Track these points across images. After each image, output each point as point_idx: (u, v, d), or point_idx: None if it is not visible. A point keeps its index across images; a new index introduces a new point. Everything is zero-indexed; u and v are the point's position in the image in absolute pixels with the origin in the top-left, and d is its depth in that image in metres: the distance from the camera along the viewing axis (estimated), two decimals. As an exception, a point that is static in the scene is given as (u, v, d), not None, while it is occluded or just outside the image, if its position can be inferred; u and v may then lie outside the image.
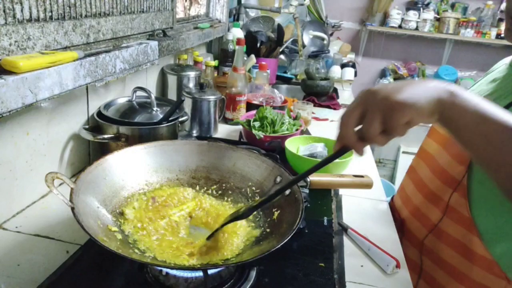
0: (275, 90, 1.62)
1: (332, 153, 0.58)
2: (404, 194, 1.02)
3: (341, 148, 0.56)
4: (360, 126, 0.53)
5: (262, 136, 1.19)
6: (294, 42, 2.41)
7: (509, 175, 0.51)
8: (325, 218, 0.89)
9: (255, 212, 0.74)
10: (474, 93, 0.89)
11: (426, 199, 0.91)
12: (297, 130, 1.25)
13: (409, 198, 0.98)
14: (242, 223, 0.72)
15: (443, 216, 0.85)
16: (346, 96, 2.16)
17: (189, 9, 1.83)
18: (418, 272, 0.91)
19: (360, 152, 0.54)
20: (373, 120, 0.51)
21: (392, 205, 1.07)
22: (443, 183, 0.86)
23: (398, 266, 0.73)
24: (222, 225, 0.66)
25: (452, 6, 3.35)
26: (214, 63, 1.60)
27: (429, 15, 3.24)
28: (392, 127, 0.51)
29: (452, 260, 0.83)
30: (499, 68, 0.90)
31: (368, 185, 0.97)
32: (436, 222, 0.87)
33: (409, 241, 0.94)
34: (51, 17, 0.77)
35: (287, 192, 0.71)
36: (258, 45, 2.05)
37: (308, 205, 0.91)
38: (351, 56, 2.94)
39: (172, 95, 1.42)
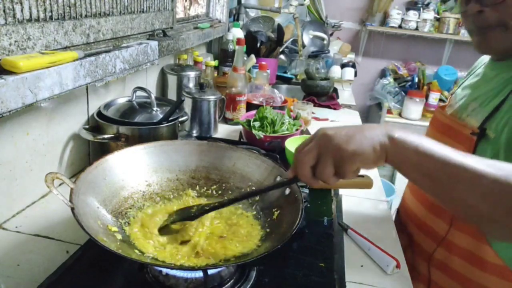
0: (275, 90, 1.62)
1: (288, 179, 0.61)
2: (406, 207, 1.01)
3: (294, 178, 0.60)
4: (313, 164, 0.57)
5: (262, 136, 1.19)
6: (294, 42, 2.41)
7: (461, 208, 0.53)
8: (325, 218, 0.89)
9: (255, 213, 0.75)
10: (460, 97, 0.89)
11: (429, 211, 0.91)
12: (297, 130, 1.25)
13: (412, 211, 0.97)
14: (242, 223, 0.72)
15: (449, 227, 0.85)
16: (346, 96, 2.16)
17: (189, 9, 1.83)
18: (427, 284, 0.90)
19: (314, 186, 0.59)
20: (327, 166, 0.55)
21: (398, 218, 1.06)
22: None
23: (398, 266, 0.73)
24: (172, 222, 0.67)
25: (451, 8, 3.34)
26: (214, 63, 1.60)
27: (429, 15, 3.24)
28: (344, 174, 0.55)
29: (463, 269, 0.83)
30: (477, 70, 0.91)
31: (368, 185, 0.97)
32: (444, 235, 0.86)
33: (418, 254, 0.93)
34: (51, 17, 0.77)
35: (287, 191, 0.71)
36: (258, 45, 2.05)
37: (308, 205, 0.91)
38: (351, 56, 2.94)
39: (172, 95, 1.42)
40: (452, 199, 0.53)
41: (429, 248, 0.90)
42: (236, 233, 0.69)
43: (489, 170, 0.49)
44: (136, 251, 0.62)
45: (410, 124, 3.10)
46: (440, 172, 0.51)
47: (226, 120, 1.46)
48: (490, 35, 0.76)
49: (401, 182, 1.09)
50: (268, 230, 0.69)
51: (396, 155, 0.54)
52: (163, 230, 0.68)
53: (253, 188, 0.78)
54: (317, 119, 1.65)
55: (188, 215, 0.67)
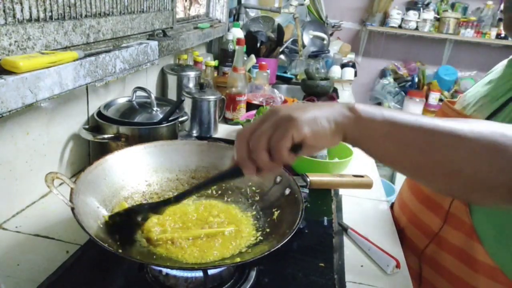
0: (275, 90, 1.62)
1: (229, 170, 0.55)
2: (402, 201, 1.00)
3: (234, 166, 0.53)
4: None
5: (262, 136, 1.18)
6: (294, 42, 2.41)
7: (436, 176, 0.49)
8: (325, 218, 0.89)
9: (254, 213, 0.75)
10: (470, 95, 0.89)
11: (423, 205, 0.90)
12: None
13: (407, 204, 0.96)
14: (242, 223, 0.72)
15: (443, 224, 0.84)
16: (346, 96, 2.16)
17: (189, 9, 1.83)
18: (419, 280, 0.90)
19: (247, 171, 0.51)
20: (263, 134, 0.48)
21: (392, 214, 1.05)
22: None
23: (398, 266, 0.73)
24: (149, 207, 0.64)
25: (452, 6, 3.35)
26: (214, 63, 1.60)
27: (429, 15, 3.24)
28: (279, 146, 0.47)
29: (455, 268, 0.82)
30: (496, 70, 0.90)
31: (368, 185, 0.97)
32: (436, 231, 0.85)
33: (409, 249, 0.92)
34: (51, 17, 0.77)
35: (287, 191, 0.71)
36: (258, 45, 2.05)
37: (308, 205, 0.91)
38: (351, 56, 2.94)
39: (172, 95, 1.42)
40: (431, 167, 0.48)
41: (420, 243, 0.89)
42: (236, 232, 0.69)
43: (468, 128, 0.46)
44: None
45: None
46: (418, 139, 0.47)
47: (226, 120, 1.46)
48: None
49: (401, 182, 1.09)
50: (268, 230, 0.69)
51: (360, 128, 0.49)
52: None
53: (253, 188, 0.78)
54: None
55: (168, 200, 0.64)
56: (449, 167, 0.47)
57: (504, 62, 0.88)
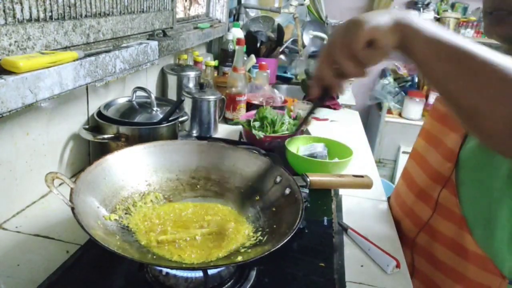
0: (275, 90, 1.62)
1: (313, 98, 0.61)
2: (398, 195, 1.02)
3: (322, 91, 0.59)
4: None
5: (262, 136, 1.19)
6: (294, 42, 2.41)
7: (474, 103, 0.50)
8: (325, 218, 0.89)
9: (254, 213, 0.75)
10: None
11: (417, 197, 0.91)
12: (297, 130, 1.25)
13: (402, 199, 0.98)
14: (242, 223, 0.72)
15: (433, 213, 0.85)
16: (346, 96, 2.16)
17: (189, 9, 1.83)
18: (411, 271, 0.91)
19: (340, 90, 0.57)
20: (341, 54, 0.53)
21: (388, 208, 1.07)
22: (432, 180, 0.86)
23: (398, 266, 0.73)
24: None
25: (452, 6, 3.35)
26: (214, 63, 1.60)
27: (429, 15, 3.24)
28: (356, 52, 0.53)
29: (446, 258, 0.83)
30: None
31: (368, 185, 0.97)
32: (426, 220, 0.87)
33: (401, 240, 0.94)
34: (51, 17, 0.77)
35: (287, 191, 0.71)
36: (258, 45, 2.05)
37: (308, 205, 0.91)
38: (351, 56, 2.93)
39: (172, 95, 1.42)
40: (470, 90, 0.50)
41: (412, 233, 0.91)
42: (236, 232, 0.69)
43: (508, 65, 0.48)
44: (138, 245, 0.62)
45: (410, 124, 3.10)
46: (463, 59, 0.50)
47: (226, 120, 1.46)
48: (501, 18, 0.74)
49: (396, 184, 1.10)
50: (268, 230, 0.69)
51: (410, 34, 0.53)
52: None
53: (253, 188, 0.78)
54: (317, 119, 1.65)
55: None
56: (486, 95, 0.49)
57: None
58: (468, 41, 0.51)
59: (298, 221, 0.61)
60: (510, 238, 0.75)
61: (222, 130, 1.39)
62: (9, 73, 0.62)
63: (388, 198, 1.09)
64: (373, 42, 0.54)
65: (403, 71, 3.46)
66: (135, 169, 0.76)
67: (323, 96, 0.59)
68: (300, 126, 0.81)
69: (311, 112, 0.67)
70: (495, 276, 0.77)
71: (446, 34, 0.52)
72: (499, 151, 0.53)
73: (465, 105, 0.52)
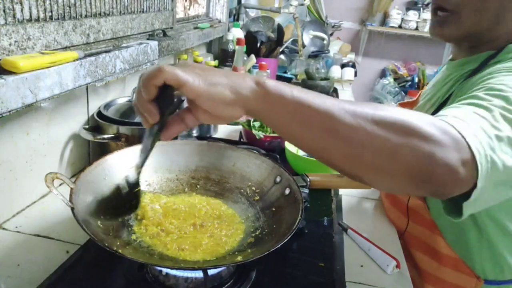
0: (275, 90, 1.62)
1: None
2: (381, 204, 1.02)
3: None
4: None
5: (262, 136, 1.19)
6: (294, 42, 2.41)
7: (334, 157, 0.48)
8: (325, 218, 0.89)
9: (254, 212, 0.75)
10: (422, 97, 0.90)
11: (391, 205, 0.92)
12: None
13: (384, 207, 0.98)
14: (242, 222, 0.72)
15: (408, 220, 0.86)
16: (346, 96, 2.16)
17: (189, 9, 1.83)
18: None
19: (145, 124, 0.51)
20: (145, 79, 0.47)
21: None
22: None
23: (398, 266, 0.73)
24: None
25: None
26: (214, 63, 1.60)
27: (429, 15, 3.24)
28: (146, 82, 0.46)
29: (423, 263, 0.84)
30: (440, 71, 0.92)
31: (368, 185, 0.97)
32: (404, 227, 0.87)
33: None
34: (51, 17, 0.77)
35: (287, 191, 0.71)
36: (258, 45, 2.04)
37: (308, 205, 0.91)
38: (351, 56, 2.94)
39: (172, 95, 1.41)
40: (329, 148, 0.47)
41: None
42: (236, 232, 0.69)
43: (371, 114, 0.45)
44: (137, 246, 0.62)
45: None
46: (320, 119, 0.46)
47: (226, 120, 1.46)
48: (445, 19, 0.76)
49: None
50: (268, 230, 0.69)
51: (267, 104, 0.47)
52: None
53: (253, 188, 0.78)
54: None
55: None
56: (348, 150, 0.46)
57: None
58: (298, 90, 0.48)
59: (298, 221, 0.61)
60: (478, 238, 0.76)
61: (222, 130, 1.39)
62: (9, 73, 0.62)
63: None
64: (197, 104, 0.48)
65: (403, 71, 3.46)
66: (135, 169, 0.76)
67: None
68: None
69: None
70: (470, 277, 0.78)
71: (310, 96, 0.48)
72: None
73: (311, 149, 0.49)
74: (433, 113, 0.75)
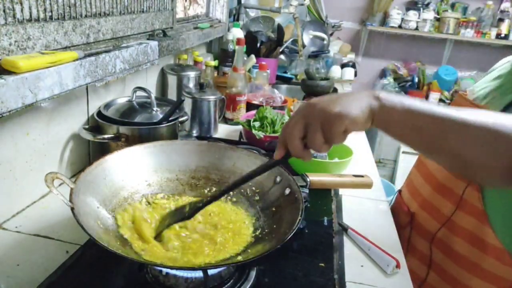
0: (275, 90, 1.62)
1: (276, 159, 0.61)
2: (412, 186, 1.03)
3: (286, 155, 0.60)
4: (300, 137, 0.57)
5: (262, 136, 1.19)
6: (294, 42, 2.41)
7: (449, 158, 0.56)
8: (325, 218, 0.89)
9: (254, 213, 0.75)
10: (479, 89, 0.92)
11: (435, 191, 0.93)
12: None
13: (418, 190, 0.99)
14: (242, 223, 0.72)
15: (456, 209, 0.87)
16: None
17: (188, 9, 1.83)
18: (428, 263, 0.93)
19: (307, 159, 0.59)
20: (316, 132, 0.55)
21: (399, 198, 1.08)
22: (455, 177, 0.88)
23: (398, 266, 0.73)
24: (167, 225, 0.67)
25: (452, 6, 3.35)
26: (214, 63, 1.60)
27: (429, 15, 3.24)
28: (332, 137, 0.55)
29: (464, 251, 0.85)
30: (503, 65, 0.92)
31: (368, 185, 0.97)
32: (449, 215, 0.88)
33: (418, 233, 0.95)
34: (51, 17, 0.77)
35: (287, 191, 0.71)
36: (258, 45, 2.05)
37: (308, 205, 0.91)
38: (351, 56, 2.94)
39: (172, 95, 1.42)
40: (440, 149, 0.55)
41: (432, 228, 0.92)
42: (236, 232, 0.69)
43: (474, 118, 0.53)
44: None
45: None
46: (429, 125, 0.54)
47: (226, 120, 1.46)
48: None
49: (401, 182, 1.10)
50: (268, 230, 0.69)
51: (384, 114, 0.56)
52: (159, 236, 0.66)
53: (253, 188, 0.78)
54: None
55: (182, 215, 0.67)
56: (455, 150, 0.54)
57: (510, 58, 0.91)
58: (436, 105, 0.56)
59: (298, 221, 0.61)
60: None
61: (222, 130, 1.39)
62: (9, 73, 0.62)
63: (399, 191, 1.11)
64: (347, 131, 0.56)
65: (403, 71, 3.46)
66: (135, 169, 0.76)
67: (286, 157, 0.60)
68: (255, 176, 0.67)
69: (269, 168, 0.65)
70: (511, 268, 0.79)
71: (419, 105, 0.55)
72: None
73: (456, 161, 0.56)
74: (510, 104, 0.80)
